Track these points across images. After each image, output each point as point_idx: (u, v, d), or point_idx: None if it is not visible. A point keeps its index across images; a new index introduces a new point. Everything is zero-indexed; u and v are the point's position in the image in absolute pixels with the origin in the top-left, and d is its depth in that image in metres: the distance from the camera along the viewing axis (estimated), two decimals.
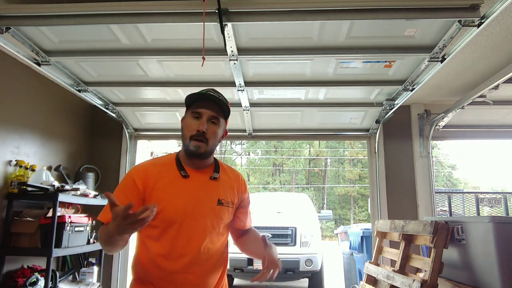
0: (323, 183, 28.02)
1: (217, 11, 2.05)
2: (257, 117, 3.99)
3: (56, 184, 3.14)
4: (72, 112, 3.97)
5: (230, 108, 1.52)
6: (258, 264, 5.38)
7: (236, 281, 6.83)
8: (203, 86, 3.16)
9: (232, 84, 3.11)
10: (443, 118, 3.85)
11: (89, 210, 3.67)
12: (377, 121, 3.93)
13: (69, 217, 3.17)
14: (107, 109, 3.75)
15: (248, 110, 3.68)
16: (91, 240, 3.53)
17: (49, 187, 3.07)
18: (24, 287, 2.84)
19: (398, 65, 2.83)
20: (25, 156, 3.21)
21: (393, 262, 2.91)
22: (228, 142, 26.13)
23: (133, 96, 3.65)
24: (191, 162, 1.47)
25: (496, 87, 3.02)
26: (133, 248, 1.50)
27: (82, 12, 2.15)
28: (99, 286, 3.61)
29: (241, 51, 2.58)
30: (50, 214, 3.01)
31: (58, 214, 3.01)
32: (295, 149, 28.12)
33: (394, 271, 2.65)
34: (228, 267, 1.58)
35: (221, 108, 1.48)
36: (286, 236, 5.73)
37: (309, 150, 28.67)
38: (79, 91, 3.29)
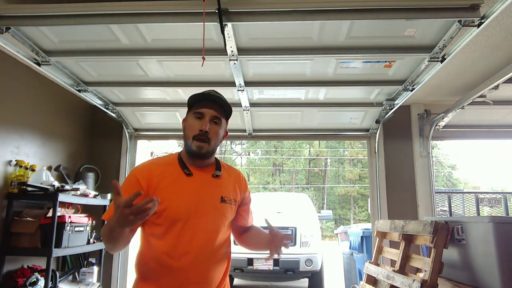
0: (323, 183, 28.02)
1: (217, 11, 2.05)
2: (257, 117, 3.99)
3: (56, 184, 3.14)
4: (72, 112, 3.97)
5: (232, 109, 1.55)
6: (258, 264, 5.39)
7: (236, 281, 6.83)
8: (203, 86, 3.18)
9: (232, 84, 3.11)
10: (443, 118, 3.85)
11: (89, 210, 3.67)
12: (377, 121, 3.94)
13: (69, 217, 3.17)
14: (107, 109, 3.75)
15: (248, 110, 3.68)
16: (91, 240, 3.53)
17: (49, 187, 3.07)
18: (24, 287, 2.84)
19: (398, 65, 2.83)
20: (25, 156, 3.21)
21: (393, 262, 2.91)
22: (228, 142, 26.14)
23: (133, 96, 3.65)
24: (193, 161, 1.49)
25: (496, 87, 3.02)
26: (133, 248, 1.50)
27: (82, 12, 2.16)
28: (99, 286, 3.61)
29: (241, 51, 2.58)
30: (50, 214, 3.01)
31: (58, 214, 3.01)
32: (295, 149, 28.12)
33: (394, 271, 2.65)
34: None
35: (223, 108, 1.51)
36: None
37: (309, 150, 28.67)
38: (79, 91, 3.29)
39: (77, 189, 3.33)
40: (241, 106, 3.59)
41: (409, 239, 2.71)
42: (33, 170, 3.16)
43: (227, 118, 1.55)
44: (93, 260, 3.74)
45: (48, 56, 2.70)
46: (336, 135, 4.35)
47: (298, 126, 4.18)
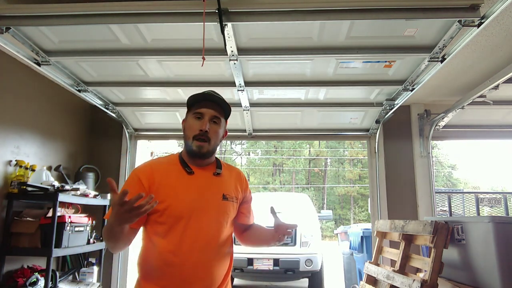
0: (323, 183, 28.02)
1: (217, 11, 2.05)
2: (257, 117, 3.99)
3: (56, 184, 3.14)
4: (72, 112, 3.97)
5: (231, 109, 1.58)
6: (258, 264, 5.38)
7: (236, 281, 6.83)
8: (203, 86, 3.18)
9: (232, 84, 3.11)
10: (443, 118, 3.85)
11: (89, 210, 3.67)
12: (377, 121, 3.93)
13: (69, 217, 3.17)
14: (107, 109, 3.75)
15: (248, 110, 3.68)
16: (91, 240, 3.53)
17: (49, 187, 3.07)
18: (24, 287, 2.84)
19: (398, 65, 2.83)
20: (25, 156, 3.21)
21: (393, 262, 2.90)
22: (228, 142, 26.14)
23: (133, 96, 3.65)
24: (194, 161, 1.51)
25: (496, 87, 3.02)
26: (133, 248, 1.51)
27: (82, 12, 2.16)
28: (99, 286, 3.61)
29: (241, 51, 2.58)
30: (50, 214, 3.01)
31: (58, 214, 3.01)
32: (295, 149, 28.11)
33: (394, 271, 2.65)
34: None
35: (222, 108, 1.54)
36: None
37: (309, 150, 28.67)
38: (79, 91, 3.29)
39: (77, 189, 3.33)
40: (241, 106, 3.59)
41: (409, 239, 2.71)
42: (33, 170, 3.16)
43: (226, 118, 1.58)
44: (93, 260, 3.74)
45: (48, 56, 2.70)
46: (336, 135, 4.35)
47: (298, 126, 4.18)
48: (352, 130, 4.26)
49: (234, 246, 1.66)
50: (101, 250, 3.75)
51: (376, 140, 4.13)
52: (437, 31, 2.34)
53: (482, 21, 2.04)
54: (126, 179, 4.06)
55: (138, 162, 4.30)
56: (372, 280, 3.08)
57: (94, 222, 3.59)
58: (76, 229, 3.25)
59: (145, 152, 5.81)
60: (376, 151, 4.14)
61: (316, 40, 2.49)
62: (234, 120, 4.02)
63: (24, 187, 2.98)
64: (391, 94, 3.38)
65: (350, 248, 5.34)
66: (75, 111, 4.02)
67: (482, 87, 3.06)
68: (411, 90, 3.09)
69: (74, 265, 3.74)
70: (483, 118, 4.12)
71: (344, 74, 3.02)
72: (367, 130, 4.19)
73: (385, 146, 4.16)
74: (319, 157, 28.39)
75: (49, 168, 3.54)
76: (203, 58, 2.12)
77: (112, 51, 2.68)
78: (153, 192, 1.39)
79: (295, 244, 5.63)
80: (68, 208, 3.45)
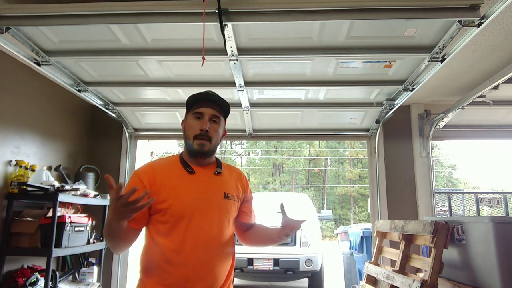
0: (323, 183, 28.01)
1: (217, 11, 2.05)
2: (257, 117, 3.99)
3: (56, 184, 3.14)
4: (72, 112, 3.97)
5: (230, 108, 1.59)
6: (258, 264, 5.38)
7: (236, 281, 6.82)
8: (203, 86, 3.18)
9: (232, 84, 3.11)
10: (443, 118, 3.85)
11: (89, 210, 3.67)
12: (377, 121, 3.93)
13: (69, 217, 3.17)
14: (107, 109, 3.75)
15: (248, 110, 3.68)
16: (91, 240, 3.54)
17: (49, 187, 3.07)
18: (24, 287, 2.84)
19: (398, 65, 2.83)
20: (25, 156, 3.21)
21: (393, 262, 2.90)
22: (228, 142, 26.14)
23: (133, 96, 3.65)
24: (195, 160, 1.52)
25: (496, 87, 3.02)
26: (133, 248, 1.51)
27: (82, 12, 2.16)
28: (99, 286, 3.61)
29: (241, 51, 2.58)
30: (50, 214, 3.01)
31: (58, 214, 3.01)
32: (295, 149, 28.11)
33: (394, 271, 2.65)
34: None
35: (221, 107, 1.55)
36: None
37: (309, 150, 28.66)
38: (79, 91, 3.29)
39: (77, 189, 3.33)
40: (241, 106, 3.59)
41: (409, 239, 2.71)
42: (33, 170, 3.16)
43: (226, 117, 1.59)
44: (93, 260, 3.74)
45: (48, 56, 2.70)
46: (336, 135, 4.35)
47: (298, 126, 4.18)
48: (352, 130, 4.26)
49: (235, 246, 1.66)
50: (101, 250, 3.75)
51: (376, 140, 4.13)
52: (437, 31, 2.34)
53: (482, 21, 2.04)
54: (126, 179, 4.08)
55: (138, 162, 4.30)
56: (372, 280, 3.08)
57: (94, 222, 3.59)
58: (76, 229, 3.25)
59: (145, 152, 5.81)
60: (376, 151, 4.14)
61: (316, 40, 2.49)
62: (234, 120, 4.02)
63: (24, 187, 2.98)
64: (391, 94, 3.38)
65: (350, 248, 5.34)
66: (75, 111, 4.02)
67: (482, 87, 3.06)
68: (411, 90, 3.09)
69: (74, 265, 3.74)
70: (483, 118, 4.12)
71: (344, 74, 3.01)
72: (367, 130, 4.19)
73: (385, 146, 4.16)
74: (319, 157, 28.39)
75: (49, 168, 3.54)
76: (203, 58, 2.12)
77: (112, 51, 2.68)
78: (154, 192, 1.40)
79: (295, 244, 5.64)
80: (68, 208, 3.45)
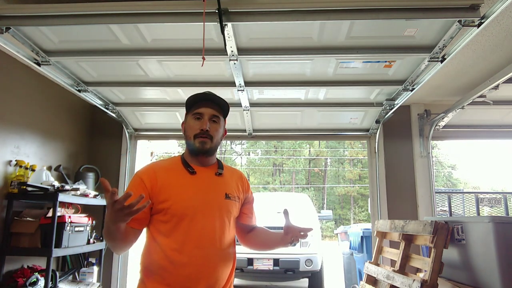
0: (323, 183, 28.01)
1: (217, 11, 2.05)
2: (257, 117, 3.99)
3: (56, 184, 3.14)
4: (72, 112, 3.97)
5: (230, 108, 1.61)
6: (258, 264, 5.38)
7: (236, 281, 6.82)
8: (203, 86, 3.18)
9: (232, 84, 3.11)
10: (443, 118, 3.85)
11: (89, 210, 3.67)
12: (377, 121, 3.93)
13: (69, 217, 3.17)
14: (107, 109, 3.75)
15: (248, 110, 3.68)
16: (91, 240, 3.53)
17: (49, 187, 3.07)
18: (24, 287, 2.84)
19: (398, 65, 2.83)
20: (25, 156, 3.21)
21: (393, 262, 2.90)
22: (228, 142, 26.14)
23: (133, 96, 3.65)
24: (197, 160, 1.53)
25: (496, 87, 3.02)
26: (133, 248, 1.51)
27: (82, 12, 2.16)
28: (99, 286, 3.61)
29: (241, 51, 2.58)
30: (50, 214, 3.01)
31: (58, 214, 3.01)
32: (295, 149, 28.11)
33: (394, 271, 2.65)
34: None
35: (220, 107, 1.56)
36: None
37: (309, 150, 28.66)
38: (79, 91, 3.29)
39: (77, 189, 3.33)
40: (241, 106, 3.59)
41: (409, 239, 2.71)
42: (33, 170, 3.16)
43: (225, 116, 1.60)
44: (93, 260, 3.74)
45: (48, 56, 2.70)
46: (336, 135, 4.35)
47: (298, 126, 4.18)
48: (352, 130, 4.26)
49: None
50: (101, 250, 3.75)
51: (376, 140, 4.13)
52: (437, 31, 2.34)
53: (482, 21, 2.04)
54: (126, 179, 4.08)
55: (138, 162, 4.30)
56: (372, 280, 3.08)
57: (94, 222, 3.59)
58: (76, 229, 3.25)
59: (145, 152, 5.81)
60: (376, 151, 4.14)
61: (316, 40, 2.49)
62: (234, 120, 4.02)
63: (24, 187, 2.98)
64: (391, 94, 3.38)
65: (350, 248, 5.34)
66: (75, 111, 4.02)
67: (482, 87, 3.06)
68: (411, 90, 3.09)
69: (74, 265, 3.74)
70: (483, 118, 4.12)
71: (344, 74, 3.01)
72: (367, 130, 4.19)
73: (385, 146, 4.16)
74: (319, 157, 28.39)
75: (49, 168, 3.54)
76: (203, 58, 2.12)
77: (112, 51, 2.68)
78: (155, 193, 1.41)
79: (295, 244, 5.63)
80: (68, 208, 3.45)
